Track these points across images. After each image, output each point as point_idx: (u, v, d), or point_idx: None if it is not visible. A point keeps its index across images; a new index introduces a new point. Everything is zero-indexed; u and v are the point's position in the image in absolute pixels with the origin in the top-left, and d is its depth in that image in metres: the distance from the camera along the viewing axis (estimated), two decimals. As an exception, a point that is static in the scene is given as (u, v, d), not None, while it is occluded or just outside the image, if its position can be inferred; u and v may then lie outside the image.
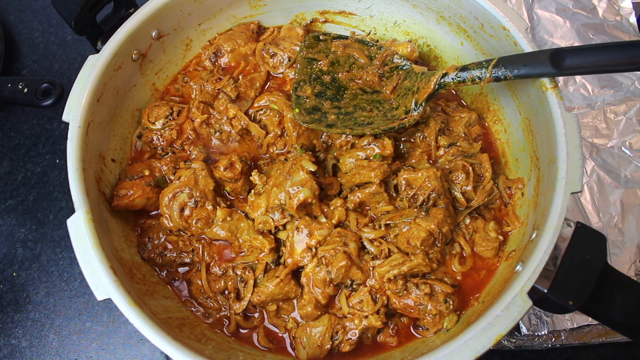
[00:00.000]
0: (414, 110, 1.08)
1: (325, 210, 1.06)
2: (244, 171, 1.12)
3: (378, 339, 1.02)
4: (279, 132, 1.17)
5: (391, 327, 1.02)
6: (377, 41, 1.31)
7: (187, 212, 1.08)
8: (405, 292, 1.00)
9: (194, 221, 1.07)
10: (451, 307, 0.99)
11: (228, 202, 1.12)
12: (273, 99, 1.18)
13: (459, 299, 1.03)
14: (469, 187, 1.08)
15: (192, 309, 1.06)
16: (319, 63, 1.19)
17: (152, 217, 1.13)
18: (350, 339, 0.99)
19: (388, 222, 1.05)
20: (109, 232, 1.02)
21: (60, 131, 1.54)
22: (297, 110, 1.12)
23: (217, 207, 1.09)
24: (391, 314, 1.02)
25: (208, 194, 1.09)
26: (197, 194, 1.07)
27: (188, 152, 1.18)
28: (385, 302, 1.00)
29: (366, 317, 0.99)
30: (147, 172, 1.12)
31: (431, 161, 1.14)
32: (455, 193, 1.09)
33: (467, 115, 1.18)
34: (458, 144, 1.13)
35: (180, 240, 1.09)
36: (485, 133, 1.21)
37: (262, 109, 1.19)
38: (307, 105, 1.13)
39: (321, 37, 1.21)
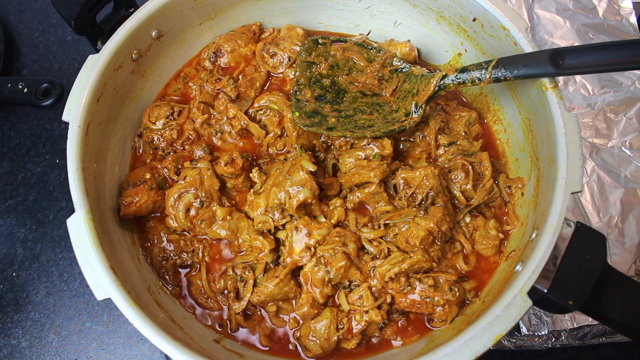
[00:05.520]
0: (414, 112, 1.08)
1: (325, 210, 1.07)
2: (245, 167, 1.12)
3: (384, 336, 1.02)
4: (279, 132, 1.17)
5: (399, 322, 1.02)
6: (377, 43, 1.31)
7: (192, 212, 1.08)
8: (409, 287, 1.00)
9: (198, 222, 1.08)
10: (457, 294, 0.99)
11: (233, 202, 1.12)
12: (273, 99, 1.18)
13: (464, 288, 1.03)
14: (469, 186, 1.08)
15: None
16: (319, 66, 1.19)
17: (153, 217, 1.13)
18: (355, 329, 0.99)
19: (387, 221, 1.05)
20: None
21: (60, 131, 1.54)
22: (297, 113, 1.12)
23: (222, 207, 1.09)
24: (401, 313, 1.02)
25: (214, 194, 1.09)
26: (203, 194, 1.08)
27: (190, 152, 1.18)
28: (389, 300, 1.00)
29: (366, 312, 0.99)
30: (148, 176, 1.12)
31: (431, 160, 1.14)
32: (455, 192, 1.09)
33: (467, 114, 1.18)
34: (458, 142, 1.13)
35: (181, 239, 1.09)
36: (485, 132, 1.21)
37: (262, 109, 1.19)
38: (307, 109, 1.13)
39: (320, 41, 1.21)
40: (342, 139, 1.12)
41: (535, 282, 0.82)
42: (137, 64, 1.18)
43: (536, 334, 1.16)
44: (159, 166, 1.16)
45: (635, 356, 1.21)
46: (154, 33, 1.18)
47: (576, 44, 1.47)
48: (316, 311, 1.01)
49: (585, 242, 0.86)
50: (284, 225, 1.06)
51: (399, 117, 1.10)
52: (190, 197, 1.08)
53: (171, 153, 1.18)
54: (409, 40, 1.26)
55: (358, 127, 1.09)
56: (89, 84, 1.04)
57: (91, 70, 1.05)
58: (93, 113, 1.05)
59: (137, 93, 1.22)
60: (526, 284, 0.82)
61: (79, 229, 0.91)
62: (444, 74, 1.06)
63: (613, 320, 0.84)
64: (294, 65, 1.21)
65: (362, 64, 1.19)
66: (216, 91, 1.23)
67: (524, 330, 1.17)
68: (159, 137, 1.18)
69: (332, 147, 1.16)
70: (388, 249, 1.03)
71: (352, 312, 1.00)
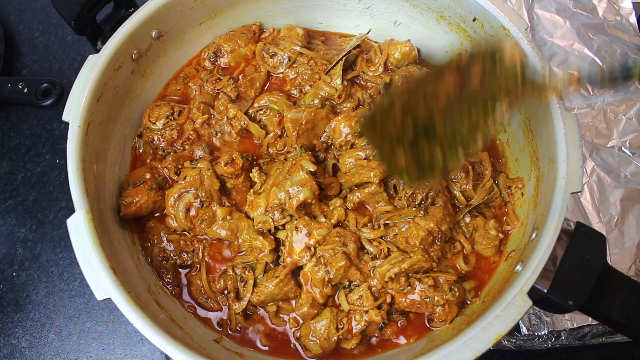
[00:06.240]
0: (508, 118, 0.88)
1: (325, 210, 1.07)
2: (245, 167, 1.12)
3: (383, 336, 1.02)
4: (279, 132, 1.17)
5: (399, 322, 1.03)
6: (377, 43, 1.30)
7: (192, 212, 1.08)
8: (409, 288, 1.00)
9: (198, 222, 1.08)
10: (457, 294, 0.99)
11: (233, 202, 1.12)
12: (273, 99, 1.18)
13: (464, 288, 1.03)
14: (469, 186, 1.08)
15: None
16: (391, 121, 0.94)
17: (153, 217, 1.13)
18: (355, 329, 0.99)
19: (387, 221, 1.05)
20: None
21: (60, 131, 1.54)
22: (405, 176, 0.93)
23: (222, 207, 1.09)
24: (401, 313, 1.02)
25: (214, 194, 1.09)
26: (203, 194, 1.08)
27: (190, 152, 1.18)
28: (389, 301, 1.00)
29: (366, 312, 0.99)
30: (148, 176, 1.12)
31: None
32: (455, 192, 1.09)
33: (467, 114, 1.17)
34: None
35: (181, 239, 1.09)
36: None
37: (262, 109, 1.19)
38: (414, 165, 0.92)
39: (374, 116, 0.97)
40: (342, 137, 1.11)
41: (535, 282, 0.82)
42: (137, 64, 1.18)
43: (536, 334, 1.16)
44: (159, 166, 1.16)
45: (635, 356, 1.21)
46: (154, 33, 1.18)
47: (576, 44, 1.47)
48: (316, 311, 1.01)
49: (585, 242, 0.86)
50: (284, 225, 1.06)
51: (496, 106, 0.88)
52: (190, 197, 1.08)
53: (171, 153, 1.18)
54: (408, 40, 1.26)
55: (461, 138, 0.89)
56: (89, 84, 1.04)
57: (91, 70, 1.05)
58: (93, 113, 1.05)
59: (137, 93, 1.22)
60: (526, 284, 0.82)
61: (79, 229, 0.91)
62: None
63: (613, 320, 0.84)
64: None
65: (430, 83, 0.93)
66: (216, 91, 1.23)
67: (524, 330, 1.17)
68: (159, 137, 1.18)
69: (332, 147, 1.16)
70: (388, 249, 1.03)
71: (352, 312, 1.00)
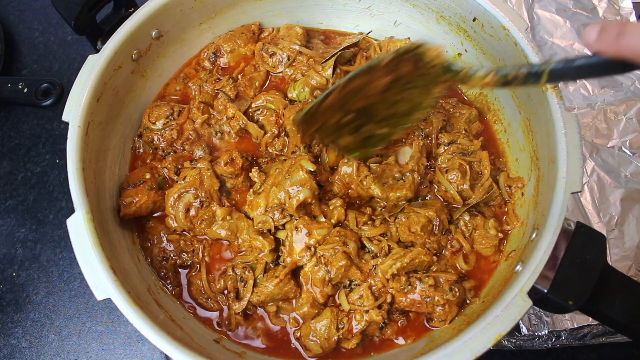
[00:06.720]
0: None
1: (325, 210, 1.07)
2: (245, 167, 1.12)
3: (384, 336, 1.02)
4: (277, 132, 1.17)
5: (399, 322, 1.03)
6: (377, 40, 1.30)
7: (192, 212, 1.08)
8: (409, 287, 1.00)
9: (198, 222, 1.08)
10: (457, 294, 0.99)
11: (233, 202, 1.12)
12: (270, 98, 1.19)
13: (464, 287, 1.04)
14: (465, 186, 1.09)
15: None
16: (332, 116, 1.02)
17: (153, 217, 1.13)
18: (355, 329, 1.00)
19: (386, 216, 1.06)
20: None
21: (60, 131, 1.54)
22: (356, 154, 1.05)
23: (222, 207, 1.09)
24: (401, 312, 1.03)
25: (213, 194, 1.09)
26: (203, 194, 1.08)
27: (190, 152, 1.18)
28: (389, 300, 1.00)
29: (367, 311, 0.99)
30: (148, 176, 1.12)
31: (432, 156, 1.15)
32: (450, 191, 1.09)
33: (467, 111, 1.18)
34: (458, 141, 1.13)
35: (181, 239, 1.09)
36: (485, 130, 1.21)
37: (259, 109, 1.19)
38: (353, 145, 1.04)
39: (310, 112, 1.02)
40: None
41: (535, 282, 0.83)
42: (137, 64, 1.18)
43: (536, 334, 1.16)
44: (159, 166, 1.16)
45: (635, 356, 1.21)
46: (154, 33, 1.18)
47: (576, 44, 1.47)
48: (316, 311, 1.01)
49: (585, 242, 0.86)
50: (283, 225, 1.06)
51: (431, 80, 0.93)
52: (190, 197, 1.08)
53: (171, 153, 1.18)
54: (408, 38, 1.26)
55: (404, 116, 0.99)
56: (89, 84, 1.04)
57: (91, 70, 1.05)
58: (93, 113, 1.05)
59: (137, 93, 1.22)
60: (526, 284, 0.82)
61: (79, 229, 0.91)
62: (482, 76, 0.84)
63: (613, 320, 0.84)
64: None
65: (363, 81, 0.98)
66: (215, 91, 1.23)
67: (524, 330, 1.17)
68: (159, 137, 1.18)
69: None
70: (389, 246, 1.03)
71: (352, 311, 1.00)
